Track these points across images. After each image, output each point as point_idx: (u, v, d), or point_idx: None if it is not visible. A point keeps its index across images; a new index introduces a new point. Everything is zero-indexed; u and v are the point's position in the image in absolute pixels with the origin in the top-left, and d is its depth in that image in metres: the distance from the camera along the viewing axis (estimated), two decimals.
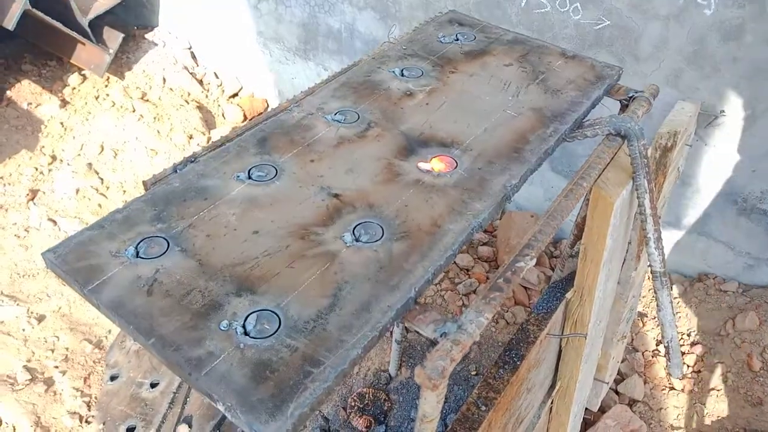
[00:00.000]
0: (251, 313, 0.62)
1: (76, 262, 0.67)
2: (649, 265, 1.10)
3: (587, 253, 1.03)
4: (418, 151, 0.86)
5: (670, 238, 2.22)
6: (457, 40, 1.13)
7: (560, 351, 1.21)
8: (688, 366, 2.05)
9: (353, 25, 2.68)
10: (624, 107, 1.07)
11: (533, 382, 1.11)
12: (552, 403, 1.30)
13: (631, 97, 1.06)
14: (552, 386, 1.28)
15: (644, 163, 0.96)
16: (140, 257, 0.68)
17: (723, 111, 1.84)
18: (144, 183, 0.81)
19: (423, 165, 0.83)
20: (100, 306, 0.63)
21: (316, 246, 0.70)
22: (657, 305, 1.16)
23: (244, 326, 0.61)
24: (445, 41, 1.12)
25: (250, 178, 0.79)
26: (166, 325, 0.61)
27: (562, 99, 0.98)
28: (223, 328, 0.61)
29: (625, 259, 1.47)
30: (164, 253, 0.68)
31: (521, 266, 0.73)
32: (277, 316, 0.62)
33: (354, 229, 0.73)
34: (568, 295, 1.09)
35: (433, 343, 0.65)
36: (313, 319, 0.62)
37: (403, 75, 1.02)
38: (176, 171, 0.81)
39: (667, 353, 1.23)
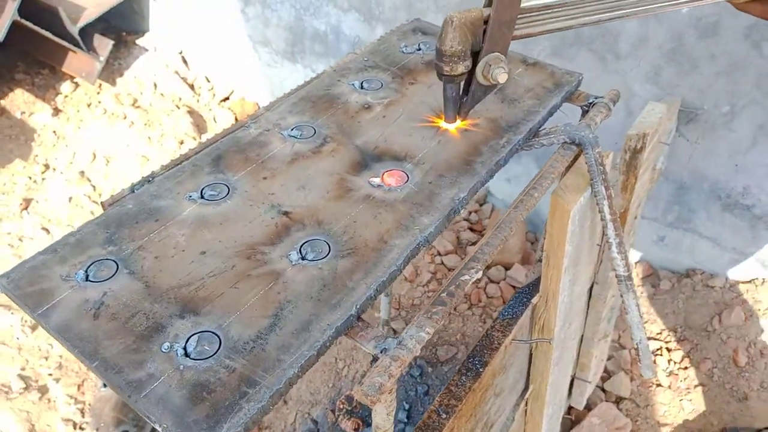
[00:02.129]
0: (193, 335, 0.64)
1: (27, 287, 0.69)
2: (613, 270, 1.11)
3: (549, 259, 1.04)
4: (371, 165, 0.87)
5: (657, 234, 2.23)
6: (419, 50, 1.14)
7: (531, 355, 1.22)
8: (675, 362, 2.05)
9: (338, 27, 2.68)
10: (585, 113, 1.07)
11: (501, 387, 1.12)
12: (526, 405, 1.31)
13: (591, 103, 1.07)
14: (525, 389, 1.29)
15: (600, 170, 0.96)
16: (89, 281, 0.69)
17: (703, 107, 1.84)
18: (102, 204, 0.82)
19: (374, 180, 0.84)
20: (49, 330, 0.65)
21: (262, 265, 0.71)
22: (624, 308, 1.17)
23: (185, 348, 0.62)
24: (407, 51, 1.13)
25: (202, 197, 0.80)
26: (109, 348, 0.63)
27: (518, 108, 0.99)
28: (164, 350, 0.62)
29: (601, 261, 1.48)
30: (113, 275, 0.70)
31: (466, 279, 0.74)
32: (218, 337, 0.63)
33: (301, 247, 0.74)
34: (534, 300, 1.10)
35: (375, 358, 0.67)
36: (252, 340, 0.64)
37: (362, 87, 1.03)
38: (133, 191, 0.82)
39: (638, 355, 1.24)
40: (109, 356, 0.62)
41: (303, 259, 0.73)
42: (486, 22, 0.82)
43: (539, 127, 0.98)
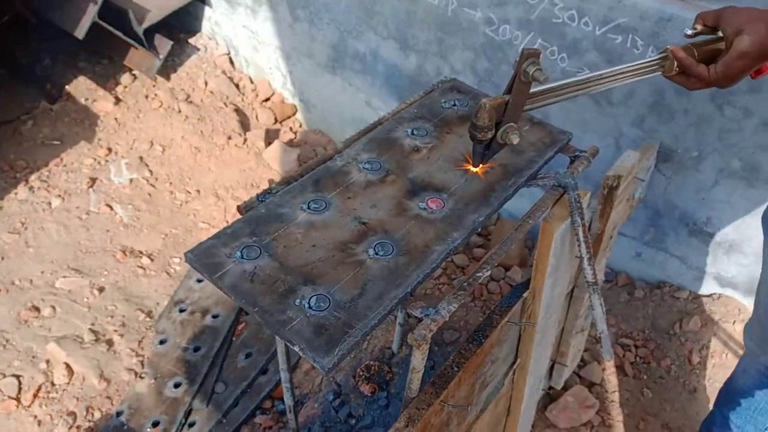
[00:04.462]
0: (312, 296, 1.05)
1: (205, 260, 1.10)
2: (584, 277, 1.51)
3: (537, 266, 1.45)
4: (419, 193, 1.28)
5: (635, 250, 2.63)
6: (455, 105, 1.54)
7: (520, 335, 1.63)
8: (641, 358, 2.46)
9: (377, 50, 3.08)
10: (572, 162, 1.48)
11: (496, 356, 1.53)
12: (514, 374, 1.72)
13: (576, 156, 1.47)
14: (514, 362, 1.70)
15: (578, 206, 1.37)
16: (244, 259, 1.10)
17: (677, 150, 2.24)
18: (238, 208, 1.23)
19: (421, 204, 1.25)
20: (223, 288, 1.06)
21: (351, 257, 1.12)
22: (591, 306, 1.58)
23: (309, 303, 1.03)
24: (446, 106, 1.54)
25: (309, 208, 1.21)
26: (263, 300, 1.04)
27: (523, 158, 1.39)
28: (296, 304, 1.03)
29: (582, 269, 1.88)
30: (258, 256, 1.11)
31: (479, 276, 1.15)
32: (328, 298, 1.04)
33: (375, 246, 1.15)
34: (525, 294, 1.51)
35: (420, 320, 1.08)
36: (348, 302, 1.04)
37: (413, 134, 1.43)
38: (260, 201, 1.23)
39: (600, 342, 1.65)
40: (263, 305, 1.03)
41: (377, 254, 1.13)
42: (506, 104, 1.22)
43: (537, 173, 1.39)
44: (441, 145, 1.41)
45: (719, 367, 2.34)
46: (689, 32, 1.41)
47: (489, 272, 1.17)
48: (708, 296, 2.50)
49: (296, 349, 0.99)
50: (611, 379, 2.41)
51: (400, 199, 1.26)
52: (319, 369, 0.96)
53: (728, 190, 2.21)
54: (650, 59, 1.42)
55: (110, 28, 3.39)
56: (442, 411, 1.31)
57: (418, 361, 1.15)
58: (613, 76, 1.38)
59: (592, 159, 1.48)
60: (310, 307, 1.03)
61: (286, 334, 1.00)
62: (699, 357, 2.38)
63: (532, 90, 1.24)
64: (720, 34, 1.37)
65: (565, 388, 2.34)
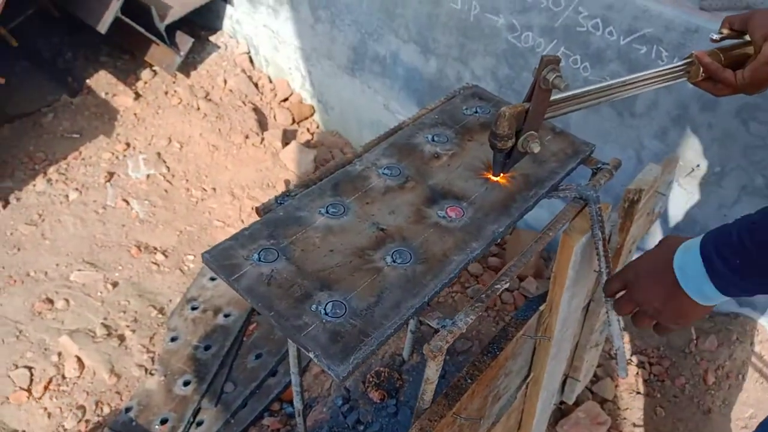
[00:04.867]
0: (329, 302, 1.03)
1: (222, 261, 1.09)
2: (602, 292, 1.49)
3: (556, 279, 1.42)
4: (439, 201, 1.26)
5: None
6: (477, 112, 1.52)
7: (535, 348, 1.61)
8: (655, 375, 2.42)
9: (397, 54, 3.07)
10: (594, 174, 1.45)
11: (510, 369, 1.51)
12: (527, 387, 1.70)
13: (598, 168, 1.45)
14: (528, 375, 1.68)
15: (598, 219, 1.35)
16: (261, 261, 1.09)
17: (698, 165, 2.21)
18: (256, 209, 1.22)
19: (440, 212, 1.23)
20: (239, 290, 1.05)
21: (369, 263, 1.11)
22: (607, 321, 1.55)
23: (325, 309, 1.02)
24: (467, 113, 1.52)
25: (327, 212, 1.20)
26: (279, 304, 1.03)
27: (545, 168, 1.37)
28: (312, 310, 1.02)
29: (599, 283, 1.86)
30: (276, 259, 1.10)
31: (498, 288, 1.13)
32: (345, 305, 1.03)
33: (392, 253, 1.13)
34: (542, 307, 1.49)
35: (436, 331, 1.06)
36: (365, 309, 1.03)
37: (433, 140, 1.42)
38: (279, 203, 1.22)
39: (616, 358, 1.62)
40: (279, 310, 1.02)
41: (394, 262, 1.12)
42: (527, 112, 1.20)
43: (558, 184, 1.37)
44: (462, 152, 1.40)
45: (735, 388, 2.30)
46: (715, 36, 1.38)
47: (507, 284, 1.15)
48: (725, 315, 2.45)
49: (311, 355, 0.98)
50: (624, 396, 2.37)
51: (419, 206, 1.24)
52: (333, 377, 0.95)
53: (751, 208, 2.15)
54: (675, 65, 1.40)
55: (132, 23, 3.41)
56: (455, 423, 1.29)
57: (433, 372, 1.14)
58: (637, 82, 1.35)
59: (614, 171, 1.45)
60: (326, 313, 1.02)
61: (301, 340, 0.98)
62: (714, 377, 2.33)
63: (553, 97, 1.22)
64: (747, 38, 1.34)
65: (577, 404, 2.31)
